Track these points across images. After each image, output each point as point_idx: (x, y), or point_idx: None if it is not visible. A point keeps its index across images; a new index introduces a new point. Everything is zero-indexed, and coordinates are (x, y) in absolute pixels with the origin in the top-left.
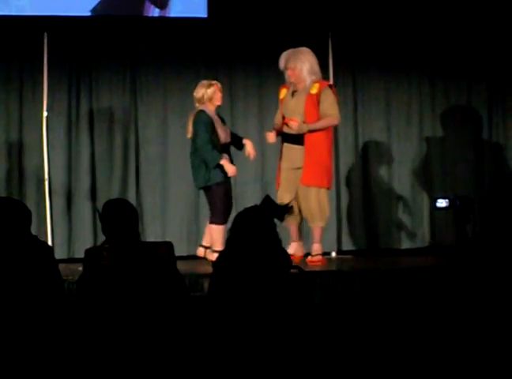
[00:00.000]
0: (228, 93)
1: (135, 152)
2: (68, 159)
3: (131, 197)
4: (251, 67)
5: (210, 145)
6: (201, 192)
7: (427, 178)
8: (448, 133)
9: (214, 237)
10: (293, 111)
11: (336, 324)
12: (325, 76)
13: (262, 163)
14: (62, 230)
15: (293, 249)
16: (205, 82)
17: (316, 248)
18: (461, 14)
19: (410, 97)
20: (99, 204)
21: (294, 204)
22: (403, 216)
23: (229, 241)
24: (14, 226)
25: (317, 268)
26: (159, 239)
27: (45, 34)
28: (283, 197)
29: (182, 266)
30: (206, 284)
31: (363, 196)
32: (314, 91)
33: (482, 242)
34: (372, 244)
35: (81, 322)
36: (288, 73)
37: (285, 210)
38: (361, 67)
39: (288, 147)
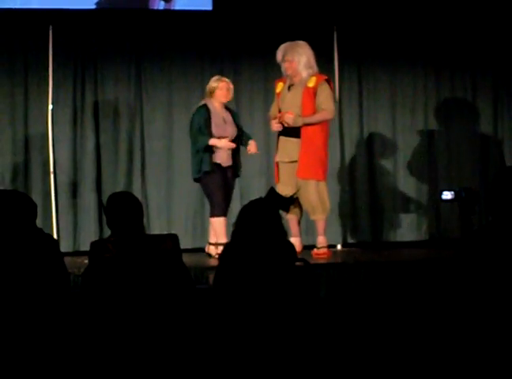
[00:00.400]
0: (233, 86)
1: (140, 146)
2: (73, 152)
3: (136, 191)
4: (256, 60)
5: (200, 133)
6: None
7: (432, 171)
8: (453, 125)
9: (217, 230)
10: (290, 105)
11: (342, 316)
12: (330, 70)
13: (267, 157)
14: (67, 223)
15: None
16: (216, 76)
17: (321, 240)
18: (466, 7)
19: (415, 90)
20: (105, 198)
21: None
22: (408, 209)
23: (234, 233)
24: (20, 219)
25: (322, 261)
26: (164, 232)
27: (50, 27)
28: (283, 191)
29: (187, 259)
30: (211, 277)
31: (368, 188)
32: (311, 84)
33: (487, 234)
34: (377, 236)
35: (87, 315)
36: (285, 66)
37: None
38: (366, 60)
39: (284, 140)
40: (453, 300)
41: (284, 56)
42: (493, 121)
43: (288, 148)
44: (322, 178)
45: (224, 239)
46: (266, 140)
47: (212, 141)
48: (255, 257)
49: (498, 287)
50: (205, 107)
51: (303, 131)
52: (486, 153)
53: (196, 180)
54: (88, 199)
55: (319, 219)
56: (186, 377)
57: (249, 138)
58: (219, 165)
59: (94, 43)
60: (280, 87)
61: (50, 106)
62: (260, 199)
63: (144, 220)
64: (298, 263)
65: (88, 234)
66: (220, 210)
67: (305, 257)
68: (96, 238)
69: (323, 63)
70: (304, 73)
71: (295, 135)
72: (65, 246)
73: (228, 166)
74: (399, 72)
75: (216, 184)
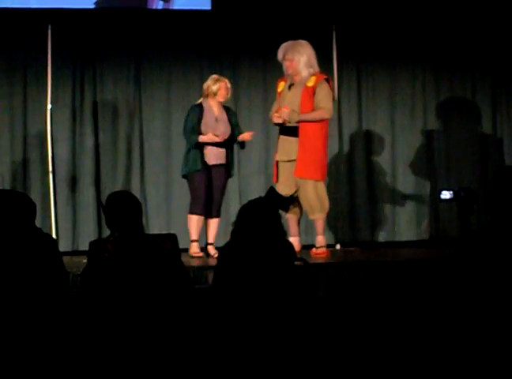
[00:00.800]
0: (232, 86)
1: (139, 145)
2: (72, 151)
3: (135, 190)
4: (255, 59)
5: (190, 131)
6: None
7: (431, 171)
8: (452, 125)
9: (190, 227)
10: (290, 104)
11: (340, 315)
12: (329, 69)
13: (266, 156)
14: (66, 222)
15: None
16: (214, 76)
17: (320, 240)
18: (465, 7)
19: (414, 90)
20: (104, 197)
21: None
22: (407, 208)
23: (234, 233)
24: (19, 218)
25: (321, 260)
26: (163, 231)
27: (49, 26)
28: (282, 191)
29: (186, 258)
30: (210, 276)
31: (367, 188)
32: (310, 83)
33: (486, 233)
34: (376, 236)
35: (86, 314)
36: (285, 64)
37: (290, 201)
38: (365, 60)
39: (283, 139)
40: (452, 299)
41: (284, 55)
42: (492, 121)
43: (288, 147)
44: (320, 178)
45: (195, 237)
46: (265, 140)
47: (201, 138)
48: (254, 256)
49: (497, 286)
50: (199, 106)
51: (302, 130)
52: (485, 153)
53: (184, 176)
54: (87, 198)
55: (318, 218)
56: (186, 376)
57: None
58: (208, 164)
59: (93, 43)
60: (281, 86)
61: (49, 106)
62: (259, 198)
63: (144, 220)
64: (297, 262)
65: (87, 234)
66: (198, 209)
67: (304, 257)
68: (95, 238)
69: (322, 62)
70: (304, 73)
71: (294, 134)
72: (64, 246)
73: (220, 165)
74: (398, 71)
75: (201, 183)
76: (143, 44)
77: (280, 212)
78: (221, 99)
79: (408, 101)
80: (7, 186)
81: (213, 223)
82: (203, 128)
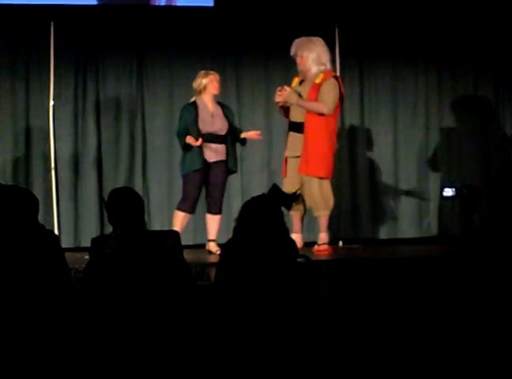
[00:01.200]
0: (235, 83)
1: (142, 142)
2: (74, 148)
3: (138, 187)
4: (258, 56)
5: (182, 133)
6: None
7: (434, 168)
8: (455, 122)
9: (174, 223)
10: None
11: (343, 312)
12: (331, 66)
13: (269, 153)
14: (68, 219)
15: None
16: (202, 72)
17: (322, 237)
18: (467, 4)
19: (417, 87)
20: (106, 194)
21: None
22: (409, 206)
23: (236, 230)
24: (22, 214)
25: (323, 257)
26: (165, 228)
27: (52, 23)
28: (287, 186)
29: (188, 255)
30: (213, 273)
31: (370, 185)
32: (318, 80)
33: (488, 231)
34: (378, 233)
35: (88, 311)
36: (297, 61)
37: (292, 198)
38: (368, 57)
39: (292, 135)
40: (454, 297)
41: (296, 51)
42: (494, 119)
43: (295, 143)
44: (324, 175)
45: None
46: (268, 137)
47: (187, 139)
48: (257, 253)
49: (498, 283)
50: (193, 104)
51: (306, 126)
52: (487, 150)
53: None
54: (90, 195)
55: (321, 215)
56: (187, 373)
57: (240, 131)
58: (208, 161)
59: (95, 39)
60: (295, 82)
61: (52, 102)
62: (262, 195)
63: (146, 216)
64: (299, 259)
65: (90, 230)
66: (186, 206)
67: (306, 254)
68: (97, 234)
69: None
70: (314, 69)
71: (301, 130)
72: (66, 242)
73: (220, 161)
74: (400, 69)
75: (195, 183)
76: (145, 41)
77: (283, 209)
78: (215, 92)
79: (410, 98)
80: (9, 182)
81: (214, 219)
82: (201, 125)
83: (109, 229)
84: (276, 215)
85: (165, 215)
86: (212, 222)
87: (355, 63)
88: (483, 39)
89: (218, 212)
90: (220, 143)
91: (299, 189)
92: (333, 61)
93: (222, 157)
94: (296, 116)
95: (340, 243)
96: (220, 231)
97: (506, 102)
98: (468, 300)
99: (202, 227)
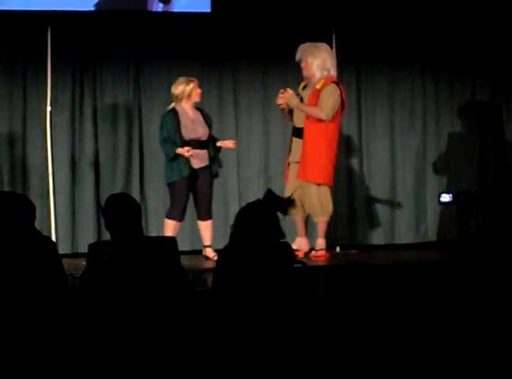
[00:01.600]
0: (232, 88)
1: (139, 147)
2: (71, 154)
3: (135, 192)
4: (255, 62)
5: (166, 142)
6: None
7: (431, 173)
8: (452, 127)
9: (165, 231)
10: None
11: (340, 318)
12: (336, 73)
13: (266, 158)
14: (65, 225)
15: (299, 244)
16: (183, 78)
17: (320, 242)
18: (464, 8)
19: (414, 92)
20: (103, 200)
21: (298, 197)
22: (406, 211)
23: (232, 236)
24: (18, 220)
25: (320, 263)
26: (162, 234)
27: (49, 29)
28: (288, 191)
29: (185, 261)
30: (210, 279)
31: (367, 190)
32: (318, 86)
33: (485, 237)
34: (376, 239)
35: (85, 317)
36: (302, 66)
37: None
38: (365, 62)
39: (294, 141)
40: (452, 303)
41: (300, 56)
42: (491, 123)
43: (296, 149)
44: (322, 181)
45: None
46: (265, 142)
47: (179, 150)
48: (253, 259)
49: (496, 289)
50: (173, 111)
51: (305, 131)
52: (484, 156)
53: (167, 183)
54: (87, 201)
55: (319, 221)
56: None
57: (216, 140)
58: (193, 168)
59: (93, 45)
60: (301, 86)
61: (49, 108)
62: (257, 201)
63: (143, 222)
64: (296, 265)
65: (87, 236)
66: (176, 214)
67: (303, 260)
68: (94, 240)
69: None
70: (317, 75)
71: (301, 136)
72: (63, 248)
73: (204, 167)
74: (397, 74)
75: (182, 190)
76: (143, 47)
77: (279, 214)
78: (198, 99)
79: (407, 103)
80: (6, 188)
81: (206, 225)
82: (184, 132)
83: (106, 235)
84: (271, 221)
85: (162, 221)
86: (205, 228)
87: (352, 68)
88: (480, 44)
89: (209, 217)
90: (203, 149)
91: (293, 194)
92: None
93: (206, 163)
94: (299, 121)
95: (338, 249)
96: (217, 237)
97: (504, 106)
98: (466, 305)
99: (198, 233)
